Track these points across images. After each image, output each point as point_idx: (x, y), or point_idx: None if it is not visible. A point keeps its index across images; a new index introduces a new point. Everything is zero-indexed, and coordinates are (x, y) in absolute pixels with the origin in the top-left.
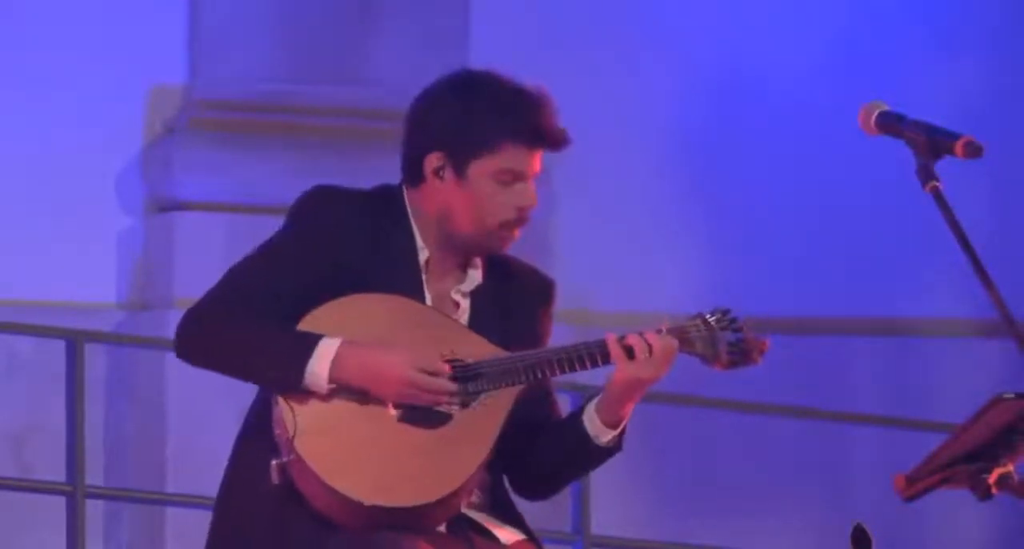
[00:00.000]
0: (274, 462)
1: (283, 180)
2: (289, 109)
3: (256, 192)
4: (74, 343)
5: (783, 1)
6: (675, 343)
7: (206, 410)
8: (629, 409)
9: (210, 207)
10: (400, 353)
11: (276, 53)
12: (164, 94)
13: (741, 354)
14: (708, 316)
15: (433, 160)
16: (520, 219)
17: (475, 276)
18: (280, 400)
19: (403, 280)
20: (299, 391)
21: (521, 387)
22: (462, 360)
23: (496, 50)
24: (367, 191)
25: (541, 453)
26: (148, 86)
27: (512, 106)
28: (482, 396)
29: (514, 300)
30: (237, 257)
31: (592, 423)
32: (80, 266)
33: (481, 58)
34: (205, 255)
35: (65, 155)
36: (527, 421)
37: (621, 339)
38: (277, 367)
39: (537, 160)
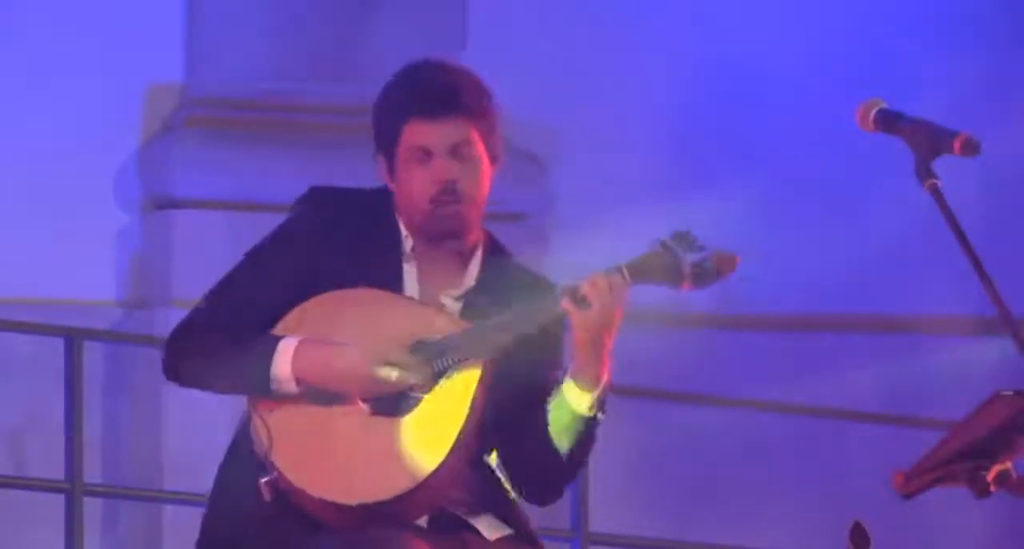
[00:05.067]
0: (262, 481)
1: (280, 178)
2: (286, 107)
3: (253, 190)
4: (72, 341)
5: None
6: (617, 280)
7: (203, 408)
8: (601, 369)
9: (207, 205)
10: (356, 352)
11: (273, 51)
12: (161, 92)
13: (706, 272)
14: (667, 240)
15: (380, 165)
16: (443, 193)
17: (468, 280)
18: (253, 415)
19: (385, 274)
20: (273, 398)
21: (489, 358)
22: (426, 340)
23: (494, 48)
24: (362, 191)
25: (534, 440)
26: (145, 84)
27: (398, 85)
28: (450, 372)
29: (509, 304)
30: (235, 255)
31: (570, 390)
32: (78, 264)
33: (478, 56)
34: (202, 253)
35: (63, 153)
36: (522, 422)
37: (573, 289)
38: (248, 381)
39: (445, 130)
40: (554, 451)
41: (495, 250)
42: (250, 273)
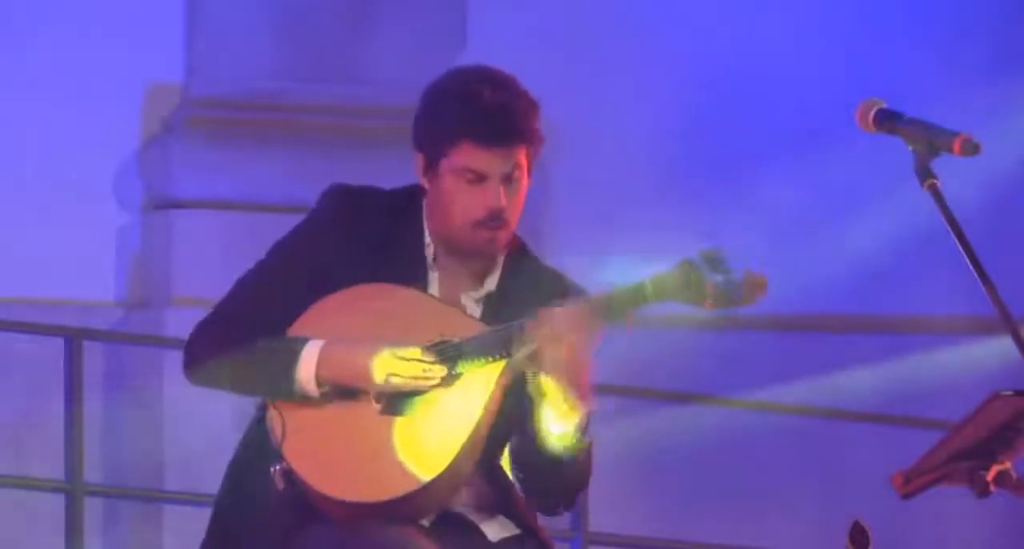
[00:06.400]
0: (274, 468)
1: (280, 178)
2: (286, 107)
3: (253, 190)
4: (72, 340)
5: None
6: (580, 309)
7: (204, 407)
8: (577, 399)
9: (207, 205)
10: (377, 349)
11: (273, 51)
12: (161, 92)
13: (730, 294)
14: (694, 259)
15: (418, 161)
16: (490, 219)
17: (490, 283)
18: (270, 406)
19: (409, 275)
20: (295, 398)
21: (507, 361)
22: (448, 340)
23: (493, 48)
24: (387, 191)
25: (529, 458)
26: (145, 84)
27: (467, 103)
28: (465, 375)
29: (530, 308)
30: (234, 255)
31: (549, 423)
32: (78, 264)
33: (478, 56)
34: (202, 253)
35: (63, 153)
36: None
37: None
38: (270, 383)
39: (503, 157)
40: (549, 470)
41: (520, 253)
42: (273, 270)
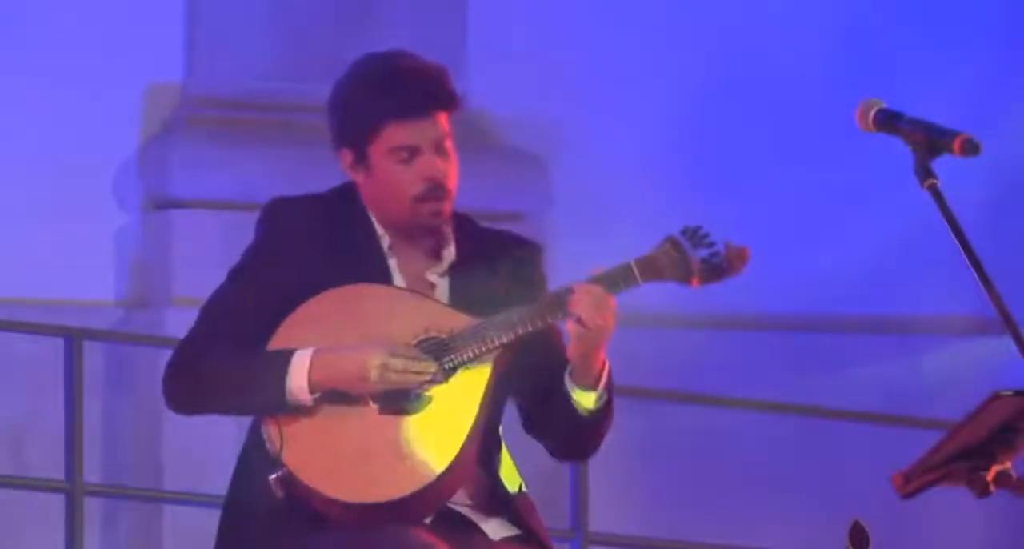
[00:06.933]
0: (272, 477)
1: (280, 178)
2: (286, 107)
3: (253, 190)
4: (72, 340)
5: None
6: (599, 291)
7: None
8: (601, 369)
9: (207, 205)
10: (369, 349)
11: (273, 51)
12: (161, 92)
13: (716, 268)
14: (676, 237)
15: (344, 158)
16: (433, 190)
17: (449, 255)
18: (266, 415)
19: (370, 269)
20: (287, 409)
21: (498, 352)
22: (436, 336)
23: (494, 48)
24: (323, 194)
25: (551, 428)
26: (145, 84)
27: (383, 86)
28: (460, 370)
29: (494, 270)
30: (234, 255)
31: (576, 393)
32: (78, 264)
33: (479, 56)
34: (202, 252)
35: (62, 153)
36: (542, 391)
37: (561, 299)
38: (259, 396)
39: (429, 127)
40: (569, 435)
41: (464, 220)
42: (237, 293)
